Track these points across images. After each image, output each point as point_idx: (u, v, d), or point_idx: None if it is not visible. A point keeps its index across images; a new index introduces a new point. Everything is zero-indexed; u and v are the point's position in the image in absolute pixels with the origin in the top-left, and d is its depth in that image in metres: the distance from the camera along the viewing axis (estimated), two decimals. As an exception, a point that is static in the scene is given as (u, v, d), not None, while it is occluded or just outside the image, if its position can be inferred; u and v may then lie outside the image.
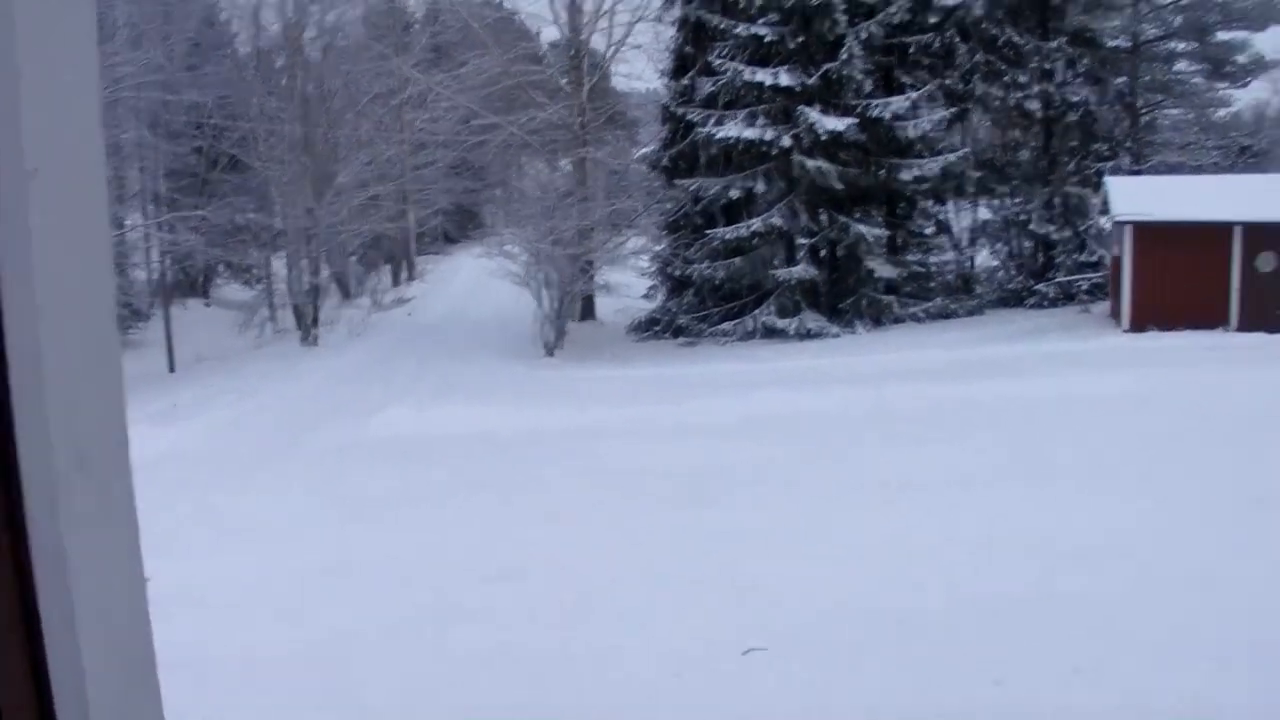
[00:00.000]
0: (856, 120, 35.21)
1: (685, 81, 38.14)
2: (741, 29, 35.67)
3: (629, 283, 40.57)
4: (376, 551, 12.13)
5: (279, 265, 41.54)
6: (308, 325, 38.03)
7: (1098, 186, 36.32)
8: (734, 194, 35.74)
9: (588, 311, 41.68)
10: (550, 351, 35.08)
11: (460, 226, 62.67)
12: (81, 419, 1.25)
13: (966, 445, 16.08)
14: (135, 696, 1.39)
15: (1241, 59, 46.20)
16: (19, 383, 1.22)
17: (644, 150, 43.90)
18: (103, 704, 1.32)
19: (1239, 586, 9.08)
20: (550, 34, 49.99)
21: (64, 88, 1.22)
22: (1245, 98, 54.99)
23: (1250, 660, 7.54)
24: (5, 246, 1.20)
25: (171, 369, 35.04)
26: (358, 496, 15.37)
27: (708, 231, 36.24)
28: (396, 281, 54.88)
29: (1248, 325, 29.65)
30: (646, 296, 40.40)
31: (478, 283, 44.62)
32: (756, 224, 35.42)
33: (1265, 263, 30.02)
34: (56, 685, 1.30)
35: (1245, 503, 11.80)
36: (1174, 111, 48.91)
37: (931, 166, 36.38)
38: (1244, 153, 52.02)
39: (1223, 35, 45.37)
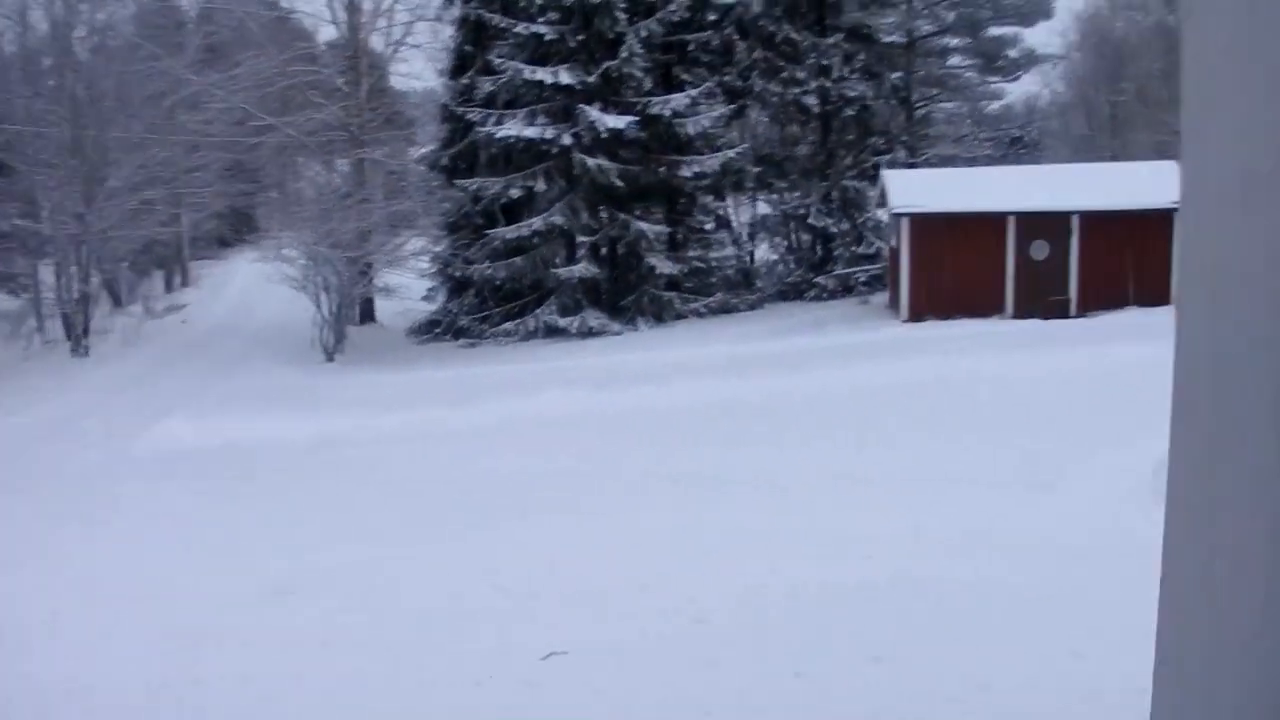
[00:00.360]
0: (637, 118, 35.17)
1: (465, 81, 37.81)
2: (521, 28, 35.38)
3: (409, 285, 40.18)
4: (133, 569, 11.64)
5: (47, 273, 39.96)
6: (78, 335, 36.67)
7: (875, 180, 36.90)
8: (514, 193, 35.42)
9: (368, 315, 41.16)
10: (330, 356, 34.54)
11: (236, 230, 61.39)
12: None
13: (745, 441, 16.17)
14: None
15: (1012, 53, 47.57)
16: None
17: (423, 150, 43.53)
18: None
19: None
20: (328, 34, 49.33)
21: None
22: (1016, 91, 56.60)
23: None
24: None
25: (-69, 383, 33.58)
26: (130, 512, 14.83)
27: (488, 231, 35.89)
28: (170, 288, 53.54)
29: (1023, 313, 30.40)
30: (427, 298, 39.99)
31: (255, 288, 43.78)
32: (537, 223, 35.20)
33: (1039, 251, 30.73)
34: None
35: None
36: (948, 105, 50.07)
37: (711, 163, 36.51)
38: (1016, 144, 53.59)
39: (994, 30, 46.67)
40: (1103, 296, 30.15)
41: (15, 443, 22.00)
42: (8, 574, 11.75)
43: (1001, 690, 6.99)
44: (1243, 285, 1.29)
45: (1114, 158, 51.74)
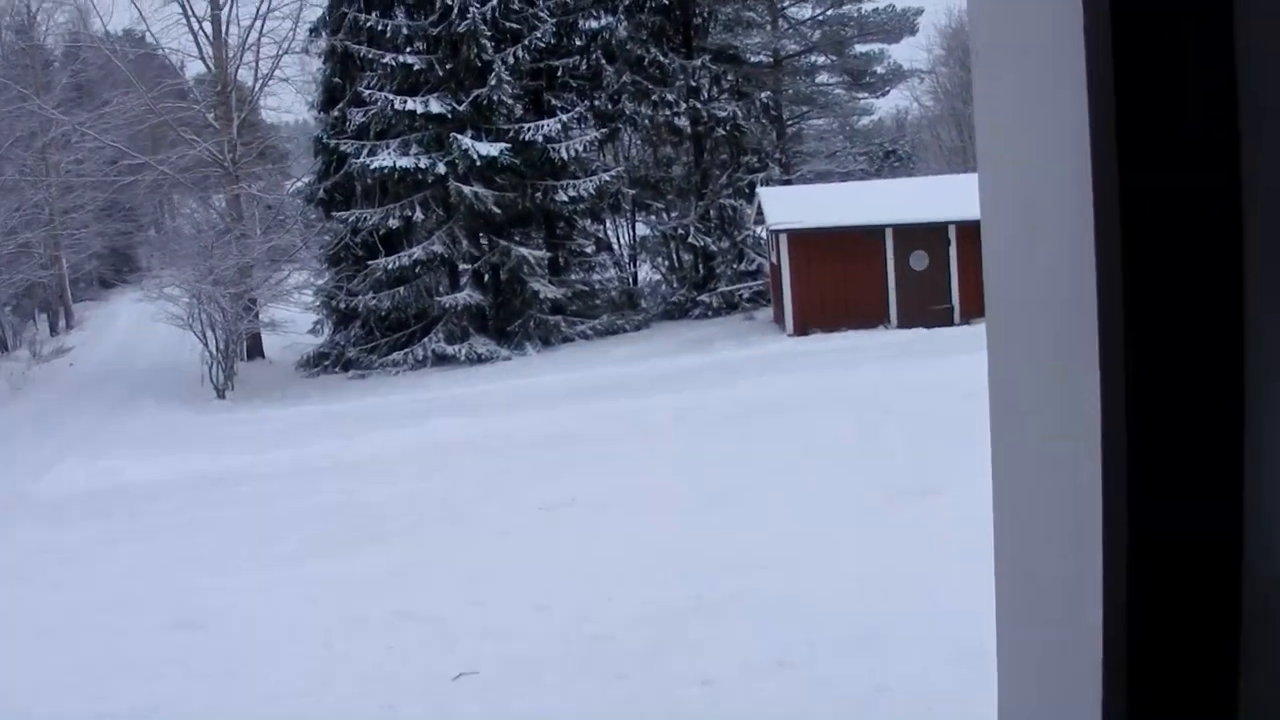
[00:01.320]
0: (510, 145, 35.52)
1: (336, 113, 37.80)
2: (389, 58, 35.63)
3: (295, 319, 39.85)
4: (33, 608, 11.72)
5: (-75, 320, 39.66)
6: (-37, 382, 36.41)
7: (751, 197, 37.39)
8: (393, 223, 35.64)
9: (255, 350, 40.96)
10: (220, 394, 34.40)
11: (116, 270, 60.76)
12: None
13: (637, 462, 16.35)
14: None
15: (880, 69, 48.26)
16: None
17: (299, 183, 43.43)
18: None
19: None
20: (195, 69, 49.10)
21: None
22: (886, 106, 57.49)
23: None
24: None
25: None
26: (28, 554, 14.82)
27: (369, 262, 35.99)
28: (55, 331, 52.91)
29: (906, 322, 30.98)
30: (313, 331, 39.71)
31: (139, 327, 43.33)
32: (418, 252, 35.43)
33: (919, 261, 31.39)
34: None
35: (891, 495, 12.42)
36: (819, 122, 50.78)
37: (586, 186, 36.94)
38: (889, 157, 54.37)
39: (860, 48, 47.29)
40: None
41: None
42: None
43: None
44: (1026, 310, 1.43)
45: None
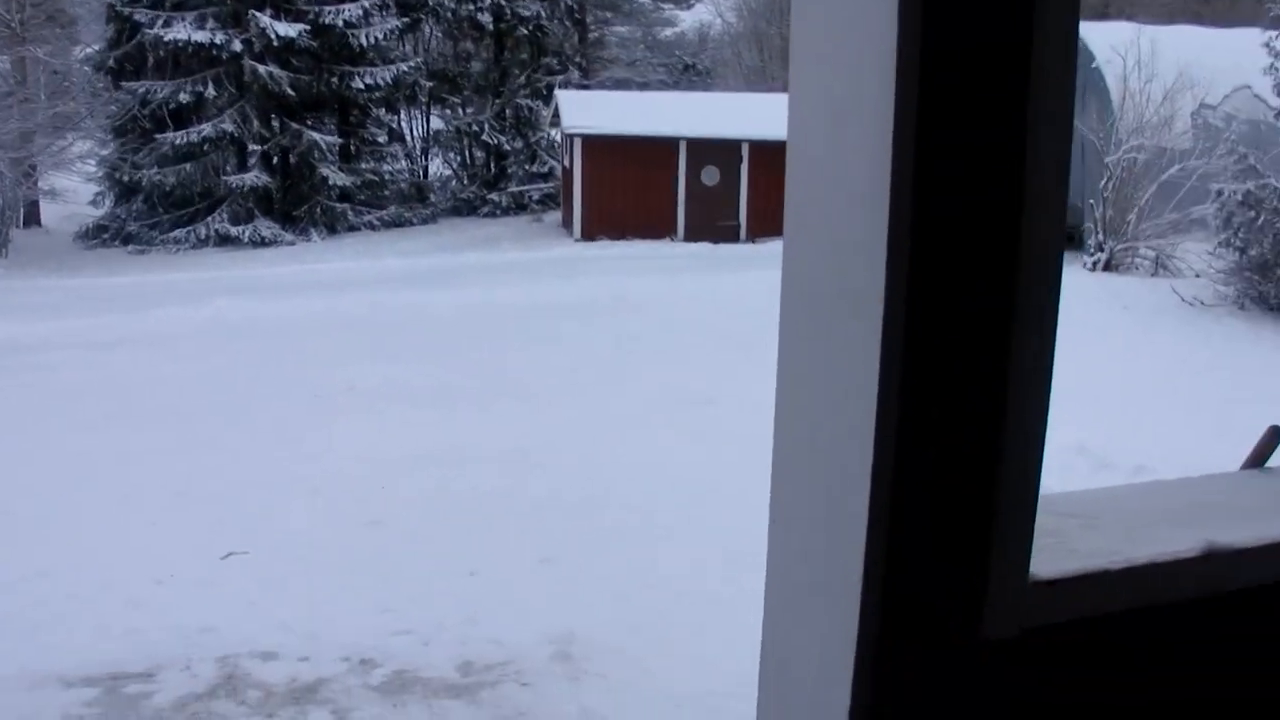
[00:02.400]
0: (309, 27, 35.14)
1: (131, -19, 36.89)
2: (189, -73, 34.90)
3: (75, 189, 38.95)
4: None
5: None
6: None
7: (548, 100, 37.54)
8: (184, 98, 35.06)
9: (33, 218, 39.88)
10: (-7, 260, 33.60)
11: (-111, 126, 58.55)
12: None
13: (419, 354, 16.47)
14: None
15: (686, -19, 48.51)
16: None
17: (88, 50, 42.24)
18: None
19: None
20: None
21: None
22: (690, 19, 57.65)
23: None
24: None
25: None
26: None
27: (157, 136, 35.36)
28: None
29: (693, 236, 31.44)
30: (94, 203, 38.84)
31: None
32: (207, 129, 34.93)
33: (710, 176, 31.85)
34: None
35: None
36: (622, 29, 50.91)
37: (384, 75, 36.83)
38: (688, 70, 54.60)
39: (668, -43, 47.48)
40: (772, 223, 31.04)
41: None
42: None
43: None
44: (826, 222, 1.46)
45: (785, 89, 53.28)
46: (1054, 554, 1.56)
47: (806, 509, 1.52)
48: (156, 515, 9.59)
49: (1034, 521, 1.47)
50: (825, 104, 1.45)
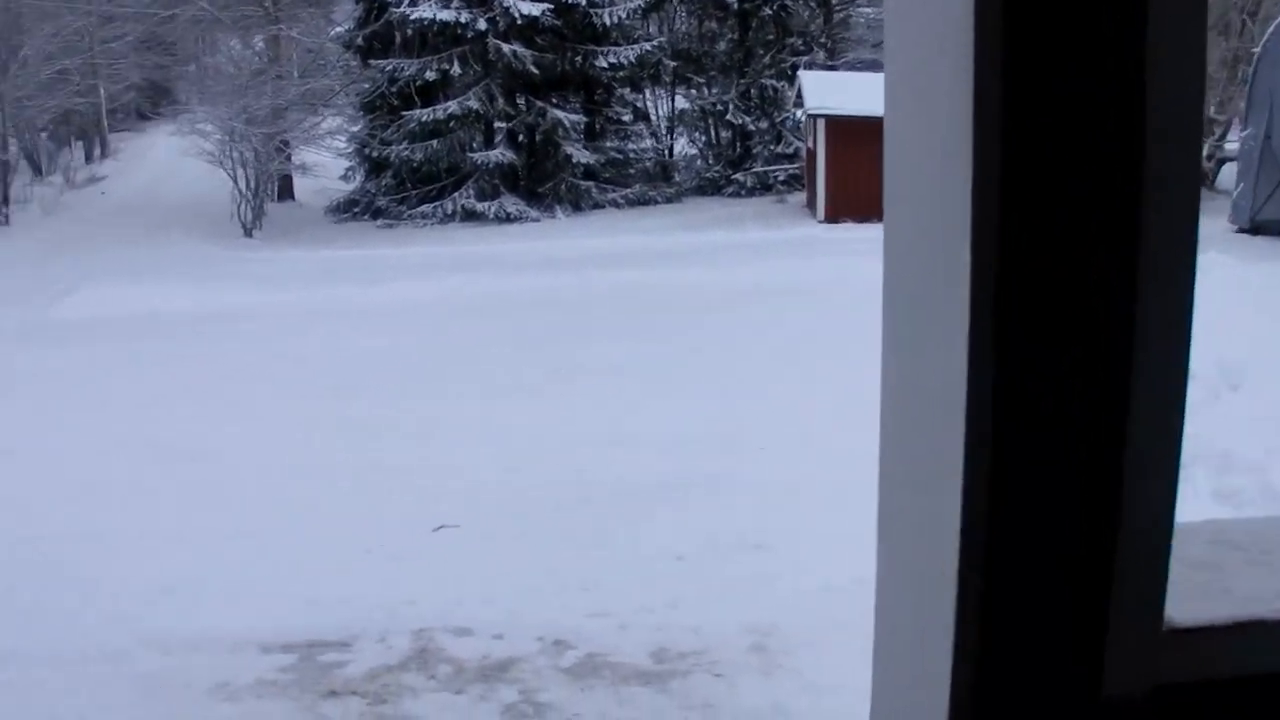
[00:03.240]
0: (552, 5, 35.32)
1: (382, -39, 37.55)
2: (436, -93, 35.33)
3: (327, 163, 39.83)
4: (42, 429, 11.89)
5: (-36, 140, 39.73)
6: (-2, 203, 36.63)
7: (793, 80, 37.10)
8: (430, 76, 35.55)
9: (286, 192, 40.99)
10: (248, 232, 34.61)
11: (154, 103, 60.48)
12: None
13: (662, 334, 16.30)
14: None
15: (935, -39, 47.43)
16: None
17: (339, 29, 43.17)
18: None
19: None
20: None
21: None
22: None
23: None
24: None
25: None
26: (41, 375, 15.00)
27: (404, 113, 35.97)
28: (90, 159, 52.85)
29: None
30: (344, 178, 39.72)
31: (174, 161, 43.24)
32: (453, 106, 35.35)
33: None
34: None
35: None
36: (868, 9, 49.99)
37: (628, 54, 36.81)
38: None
39: (916, -64, 46.42)
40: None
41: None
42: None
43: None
44: (913, 204, 1.38)
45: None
46: (1203, 595, 1.26)
47: (903, 530, 1.35)
48: (370, 484, 9.66)
49: (1169, 553, 1.18)
50: (912, 74, 1.31)
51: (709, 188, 39.67)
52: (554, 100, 36.60)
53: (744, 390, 12.67)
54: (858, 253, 23.83)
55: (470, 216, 35.17)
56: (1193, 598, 1.23)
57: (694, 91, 42.17)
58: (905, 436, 1.34)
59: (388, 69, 36.00)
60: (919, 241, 1.33)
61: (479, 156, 35.50)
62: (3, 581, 7.51)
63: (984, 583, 1.16)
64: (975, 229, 1.12)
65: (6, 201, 36.87)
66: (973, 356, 1.14)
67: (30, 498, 9.32)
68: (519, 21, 34.75)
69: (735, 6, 40.16)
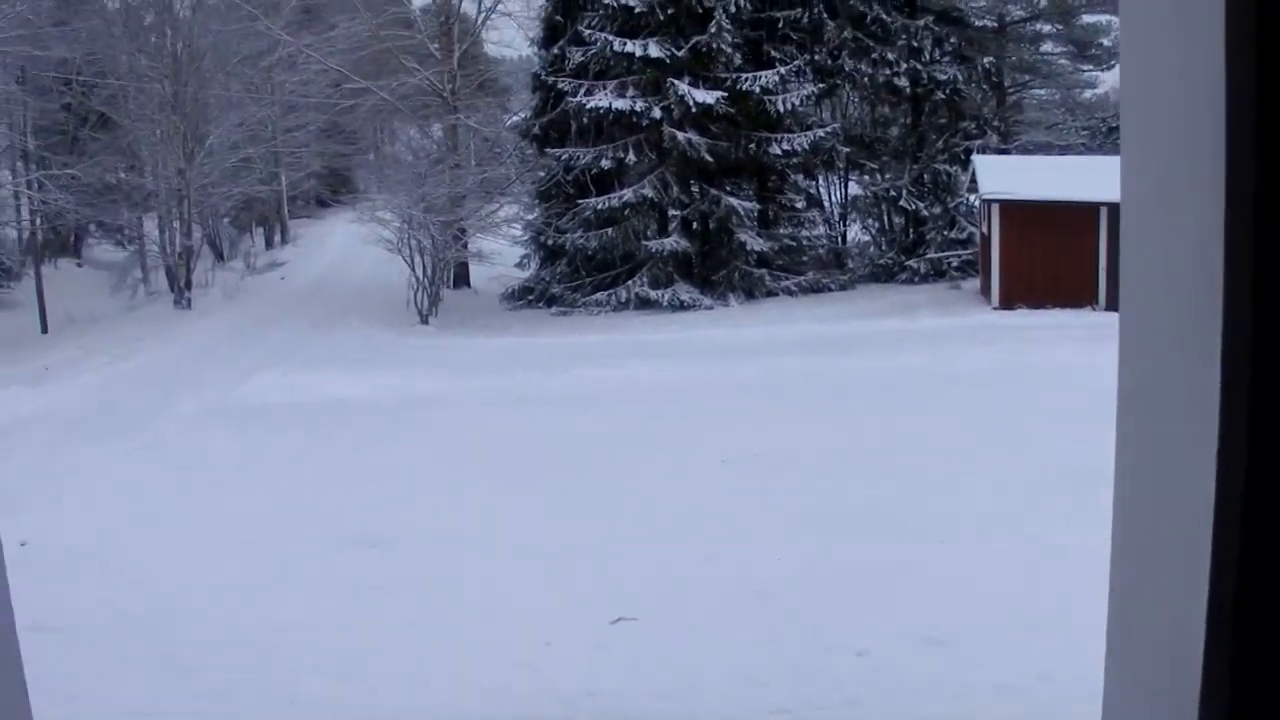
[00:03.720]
0: (726, 93, 35.54)
1: (556, 50, 38.06)
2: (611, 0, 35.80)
3: (502, 251, 40.32)
4: (221, 514, 12.13)
5: (151, 226, 40.91)
6: (180, 287, 37.56)
7: (966, 164, 36.87)
8: (605, 164, 35.91)
9: (461, 279, 41.55)
10: (424, 319, 35.04)
11: (333, 190, 61.71)
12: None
13: (839, 420, 16.24)
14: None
15: (1106, 42, 46.97)
16: None
17: (515, 118, 43.82)
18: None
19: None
20: (420, -1, 49.75)
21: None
22: (1110, 80, 55.98)
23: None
24: None
25: (44, 329, 34.33)
26: (214, 460, 15.34)
27: (579, 201, 36.34)
28: (270, 245, 54.14)
29: (1116, 304, 29.97)
30: (520, 265, 40.14)
31: (351, 248, 44.25)
32: (628, 194, 35.62)
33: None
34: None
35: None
36: (1040, 91, 49.68)
37: (801, 141, 36.85)
38: (1111, 134, 52.90)
39: (1087, 18, 46.08)
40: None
41: (117, 389, 22.81)
42: (99, 512, 12.38)
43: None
44: (1167, 287, 1.32)
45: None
46: None
47: (1140, 656, 1.36)
48: (550, 572, 9.75)
49: None
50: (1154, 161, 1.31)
51: (882, 274, 39.48)
52: (728, 187, 36.72)
53: (927, 479, 12.55)
54: (1033, 340, 23.73)
55: (644, 304, 35.31)
56: None
57: (867, 177, 42.03)
58: (1143, 549, 1.35)
59: (563, 157, 36.41)
60: (1161, 343, 1.33)
61: (653, 244, 35.67)
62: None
63: (1233, 641, 1.16)
64: (1226, 337, 1.14)
65: (190, 286, 37.86)
66: (1221, 476, 1.13)
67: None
68: (693, 109, 35.01)
69: (908, 91, 40.13)
